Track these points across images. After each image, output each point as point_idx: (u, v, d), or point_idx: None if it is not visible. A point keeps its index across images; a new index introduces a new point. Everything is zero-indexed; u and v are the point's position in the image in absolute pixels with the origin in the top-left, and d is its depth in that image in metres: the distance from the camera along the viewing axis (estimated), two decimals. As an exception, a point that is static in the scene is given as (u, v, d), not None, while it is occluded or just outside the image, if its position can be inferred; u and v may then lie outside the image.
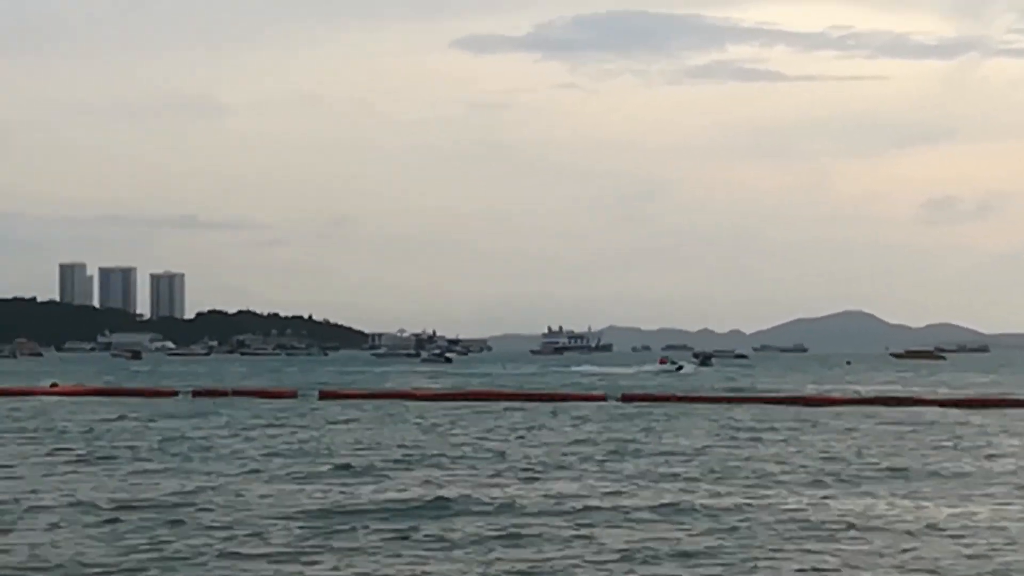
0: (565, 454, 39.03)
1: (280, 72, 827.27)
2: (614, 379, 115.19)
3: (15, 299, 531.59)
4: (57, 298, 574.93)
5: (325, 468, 34.73)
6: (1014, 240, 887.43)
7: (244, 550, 21.80)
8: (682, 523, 24.64)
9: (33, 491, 29.42)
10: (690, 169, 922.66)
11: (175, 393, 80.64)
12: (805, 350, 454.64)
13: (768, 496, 28.45)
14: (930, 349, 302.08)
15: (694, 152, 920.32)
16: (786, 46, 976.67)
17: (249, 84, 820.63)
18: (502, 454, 39.12)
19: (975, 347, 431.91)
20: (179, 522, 24.70)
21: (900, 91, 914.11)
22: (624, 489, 29.96)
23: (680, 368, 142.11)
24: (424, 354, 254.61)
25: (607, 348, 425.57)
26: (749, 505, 26.87)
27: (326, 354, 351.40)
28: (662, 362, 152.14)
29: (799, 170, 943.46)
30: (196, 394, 79.45)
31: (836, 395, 78.19)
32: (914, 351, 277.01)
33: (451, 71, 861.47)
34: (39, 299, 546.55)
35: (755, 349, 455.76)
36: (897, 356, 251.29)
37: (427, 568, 20.38)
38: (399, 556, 21.32)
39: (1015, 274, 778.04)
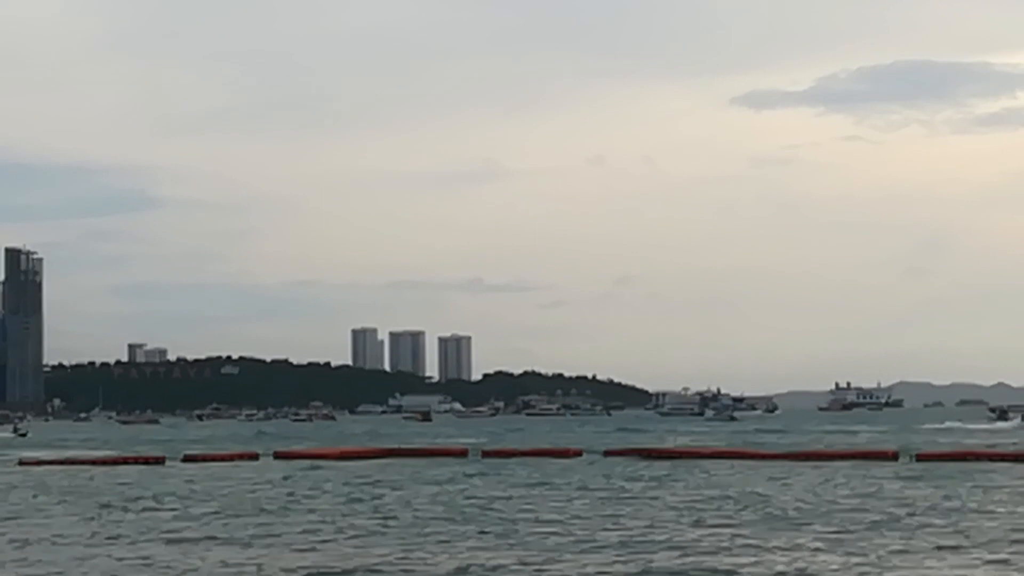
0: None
1: (563, 134, 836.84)
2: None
3: (311, 364, 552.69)
4: (350, 362, 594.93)
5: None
6: None
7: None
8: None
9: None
10: (980, 219, 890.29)
11: (465, 453, 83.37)
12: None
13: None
14: None
15: (984, 202, 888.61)
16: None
17: (534, 148, 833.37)
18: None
19: None
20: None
21: None
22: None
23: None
24: (709, 412, 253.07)
25: (898, 404, 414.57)
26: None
27: (609, 414, 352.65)
28: None
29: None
30: (485, 454, 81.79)
31: None
32: None
33: (732, 127, 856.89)
34: (333, 364, 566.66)
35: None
36: None
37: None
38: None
39: None
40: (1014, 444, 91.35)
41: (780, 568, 26.48)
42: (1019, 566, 26.37)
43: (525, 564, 27.70)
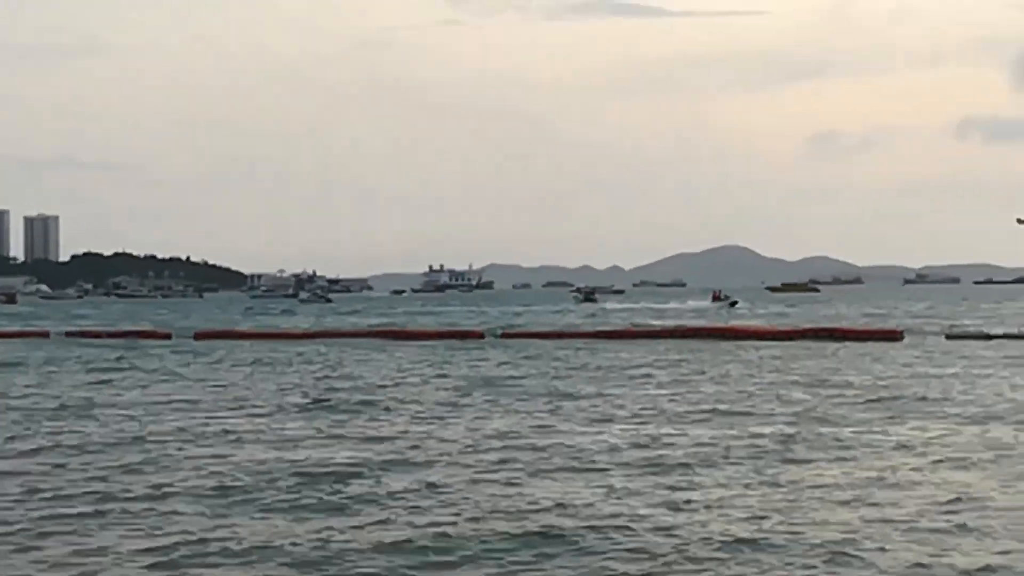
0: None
1: (163, 12, 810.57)
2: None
3: None
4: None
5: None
6: (893, 175, 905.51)
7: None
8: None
9: None
10: (571, 106, 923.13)
11: (47, 334, 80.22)
12: (684, 285, 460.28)
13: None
14: (804, 282, 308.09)
15: (576, 89, 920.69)
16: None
17: (134, 26, 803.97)
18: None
19: (849, 279, 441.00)
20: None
21: (780, 26, 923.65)
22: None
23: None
24: (304, 294, 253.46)
25: (488, 286, 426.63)
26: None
27: (202, 296, 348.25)
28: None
29: (680, 106, 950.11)
30: (70, 335, 79.01)
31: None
32: (789, 284, 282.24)
33: (332, 5, 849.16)
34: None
35: (634, 285, 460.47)
36: (773, 289, 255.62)
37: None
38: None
39: (890, 208, 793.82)
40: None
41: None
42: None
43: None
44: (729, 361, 50.78)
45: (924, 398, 34.82)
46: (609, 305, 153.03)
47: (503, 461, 23.89)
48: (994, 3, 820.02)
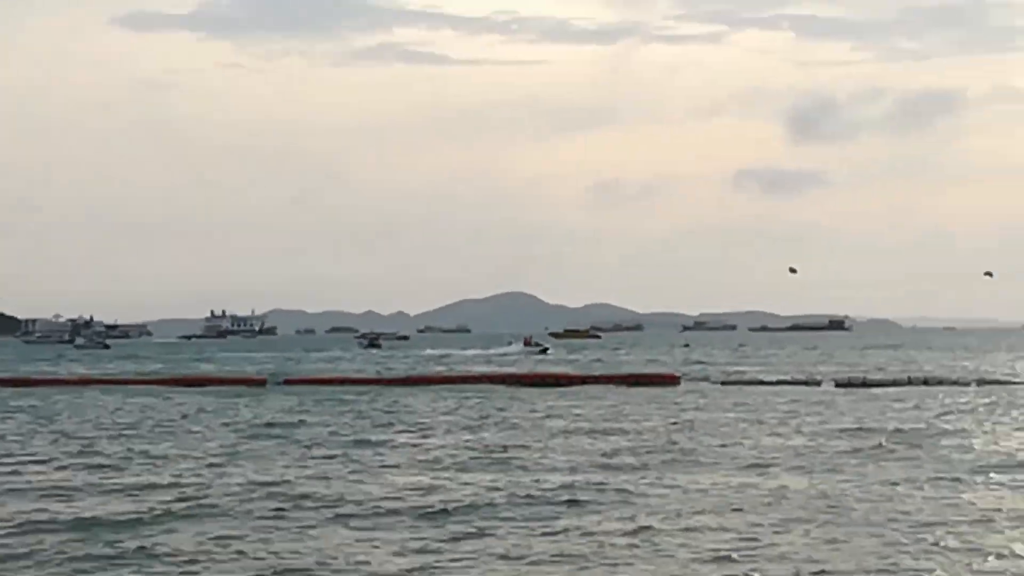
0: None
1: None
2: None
3: None
4: None
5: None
6: (673, 223, 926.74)
7: None
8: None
9: None
10: (357, 151, 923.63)
11: None
12: (468, 331, 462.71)
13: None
14: (586, 328, 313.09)
15: (361, 135, 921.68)
16: (452, 30, 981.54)
17: None
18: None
19: (630, 325, 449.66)
20: None
21: (564, 75, 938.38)
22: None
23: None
24: (80, 340, 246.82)
25: (272, 332, 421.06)
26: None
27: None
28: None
29: (465, 153, 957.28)
30: None
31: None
32: (571, 330, 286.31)
33: (113, 49, 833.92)
34: None
35: (419, 331, 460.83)
36: (556, 335, 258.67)
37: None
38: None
39: (669, 256, 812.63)
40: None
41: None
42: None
43: None
44: (518, 406, 51.10)
45: (698, 445, 35.56)
46: (427, 352, 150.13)
47: (278, 511, 23.69)
48: (770, 58, 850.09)
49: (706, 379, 73.40)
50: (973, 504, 23.92)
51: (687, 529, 21.36)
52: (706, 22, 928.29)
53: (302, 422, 44.77)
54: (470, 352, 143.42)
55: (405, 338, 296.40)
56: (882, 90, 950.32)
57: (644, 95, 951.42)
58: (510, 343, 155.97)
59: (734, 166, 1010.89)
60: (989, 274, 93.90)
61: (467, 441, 36.93)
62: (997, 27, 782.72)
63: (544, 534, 21.08)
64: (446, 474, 29.05)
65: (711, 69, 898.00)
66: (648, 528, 21.46)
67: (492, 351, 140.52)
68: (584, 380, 69.68)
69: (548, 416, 46.42)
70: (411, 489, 26.30)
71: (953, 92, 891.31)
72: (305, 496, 25.42)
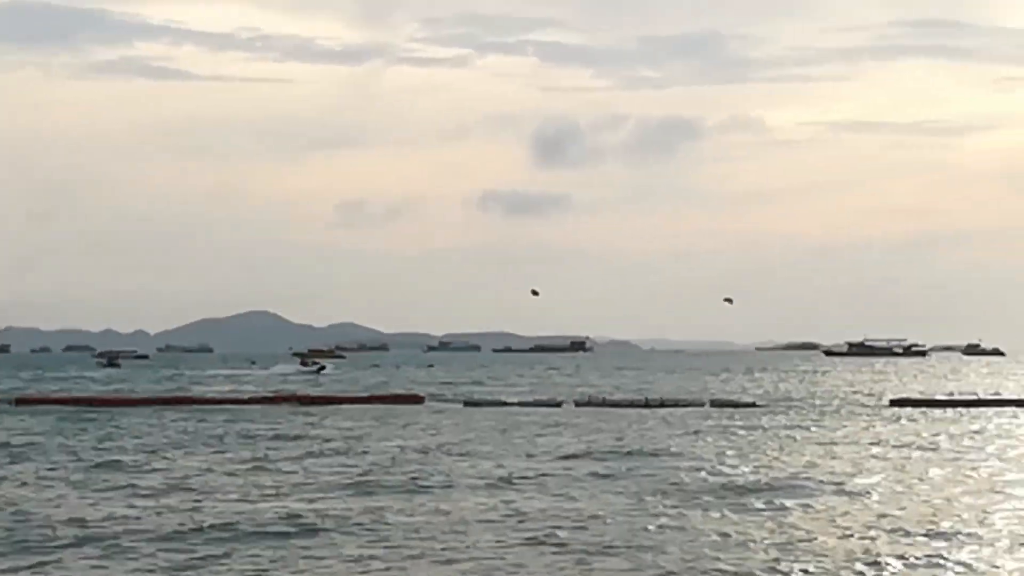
0: None
1: None
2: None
3: None
4: None
5: None
6: (419, 244, 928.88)
7: None
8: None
9: None
10: (96, 166, 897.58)
11: None
12: (211, 350, 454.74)
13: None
14: (331, 348, 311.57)
15: (102, 150, 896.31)
16: (194, 45, 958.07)
17: None
18: None
19: (375, 345, 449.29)
20: None
21: (308, 95, 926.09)
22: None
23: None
24: None
25: (5, 350, 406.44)
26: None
27: None
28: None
29: (209, 170, 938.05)
30: None
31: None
32: (316, 350, 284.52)
33: None
34: None
35: (159, 349, 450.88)
36: (300, 355, 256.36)
37: None
38: None
39: (415, 276, 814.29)
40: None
41: None
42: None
43: None
44: (261, 426, 50.63)
45: (436, 466, 35.98)
46: (209, 372, 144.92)
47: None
48: (515, 82, 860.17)
49: (449, 399, 74.11)
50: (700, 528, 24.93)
51: (415, 556, 21.73)
52: (451, 45, 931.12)
53: (35, 444, 43.55)
54: (240, 371, 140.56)
55: (144, 357, 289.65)
56: (624, 116, 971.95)
57: (391, 116, 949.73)
58: (253, 363, 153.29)
59: (480, 188, 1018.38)
60: (729, 300, 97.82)
61: (204, 462, 36.56)
62: (734, 58, 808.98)
63: (273, 561, 21.12)
64: (190, 496, 28.76)
65: (457, 92, 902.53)
66: (375, 558, 21.72)
67: (270, 371, 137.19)
68: (328, 400, 69.58)
69: (297, 438, 46.24)
70: (155, 512, 25.97)
71: (692, 120, 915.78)
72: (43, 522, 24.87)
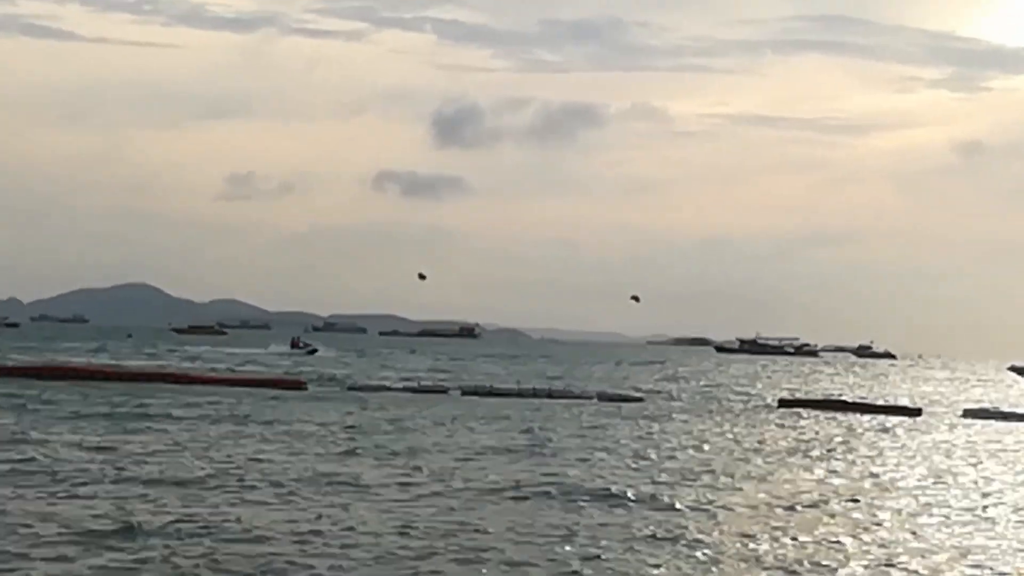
0: None
1: None
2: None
3: None
4: None
5: None
6: (308, 222, 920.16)
7: None
8: None
9: None
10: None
11: None
12: (86, 321, 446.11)
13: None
14: (211, 325, 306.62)
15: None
16: (81, 5, 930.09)
17: None
18: None
19: (258, 324, 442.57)
20: None
21: (197, 62, 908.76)
22: None
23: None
24: None
25: None
26: None
27: None
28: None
29: (91, 136, 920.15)
30: None
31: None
32: (196, 326, 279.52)
33: None
34: None
35: (32, 319, 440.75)
36: (179, 331, 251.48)
37: None
38: None
39: (302, 254, 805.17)
40: None
41: None
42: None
43: None
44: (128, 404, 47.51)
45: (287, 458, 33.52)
46: (193, 349, 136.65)
47: None
48: (412, 59, 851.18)
49: (335, 383, 71.63)
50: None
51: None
52: (347, 18, 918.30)
53: None
54: (227, 350, 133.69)
55: (15, 325, 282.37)
56: (526, 100, 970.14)
57: (283, 88, 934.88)
58: (129, 336, 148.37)
59: (375, 167, 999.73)
60: (636, 298, 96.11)
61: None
62: (635, 46, 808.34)
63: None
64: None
65: (353, 67, 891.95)
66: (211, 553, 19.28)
67: (264, 351, 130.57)
68: (205, 381, 66.32)
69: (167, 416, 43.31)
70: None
71: (594, 107, 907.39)
72: None
